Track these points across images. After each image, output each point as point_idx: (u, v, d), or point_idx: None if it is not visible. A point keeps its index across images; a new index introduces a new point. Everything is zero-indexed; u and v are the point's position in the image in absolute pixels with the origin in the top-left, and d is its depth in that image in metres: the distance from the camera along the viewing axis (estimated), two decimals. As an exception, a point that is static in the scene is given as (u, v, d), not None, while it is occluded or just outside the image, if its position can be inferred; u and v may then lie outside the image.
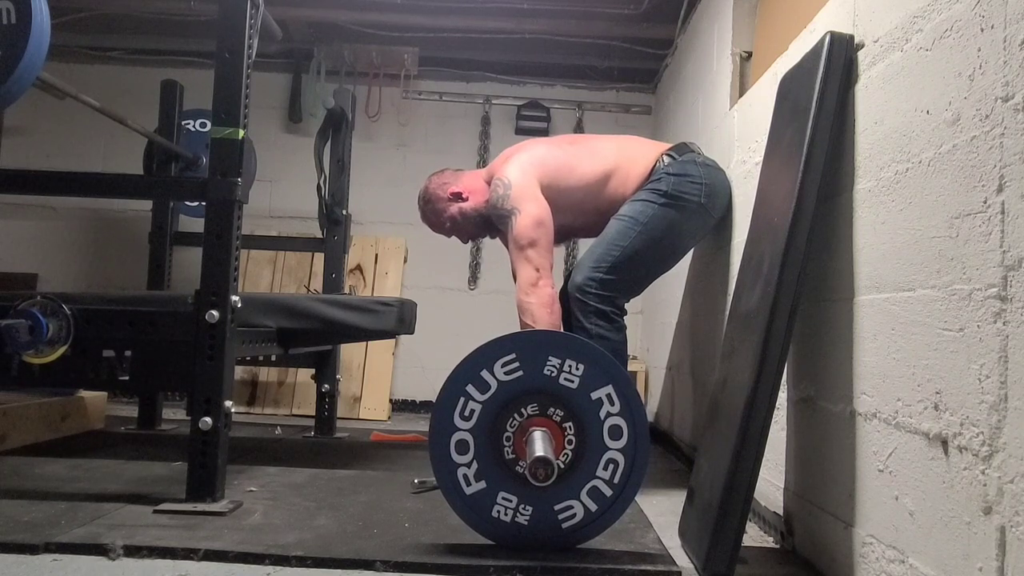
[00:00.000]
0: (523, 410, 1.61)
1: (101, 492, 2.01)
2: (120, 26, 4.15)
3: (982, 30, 1.11)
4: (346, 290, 3.47)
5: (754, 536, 1.91)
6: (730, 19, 2.67)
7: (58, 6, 2.46)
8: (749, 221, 1.92)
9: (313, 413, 3.35)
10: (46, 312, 1.88)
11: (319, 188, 3.24)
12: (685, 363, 3.01)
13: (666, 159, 2.43)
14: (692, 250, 2.71)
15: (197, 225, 2.52)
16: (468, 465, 1.62)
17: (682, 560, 1.64)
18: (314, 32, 4.14)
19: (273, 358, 2.61)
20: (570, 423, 1.61)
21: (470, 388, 1.62)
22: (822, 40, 1.58)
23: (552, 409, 1.61)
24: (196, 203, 3.38)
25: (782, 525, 1.81)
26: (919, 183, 1.27)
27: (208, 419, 1.87)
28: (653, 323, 3.84)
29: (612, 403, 1.61)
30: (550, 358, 1.61)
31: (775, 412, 1.58)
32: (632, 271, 2.37)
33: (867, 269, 1.45)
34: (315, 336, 2.65)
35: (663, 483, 2.52)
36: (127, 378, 1.99)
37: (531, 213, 2.36)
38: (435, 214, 2.63)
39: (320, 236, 3.38)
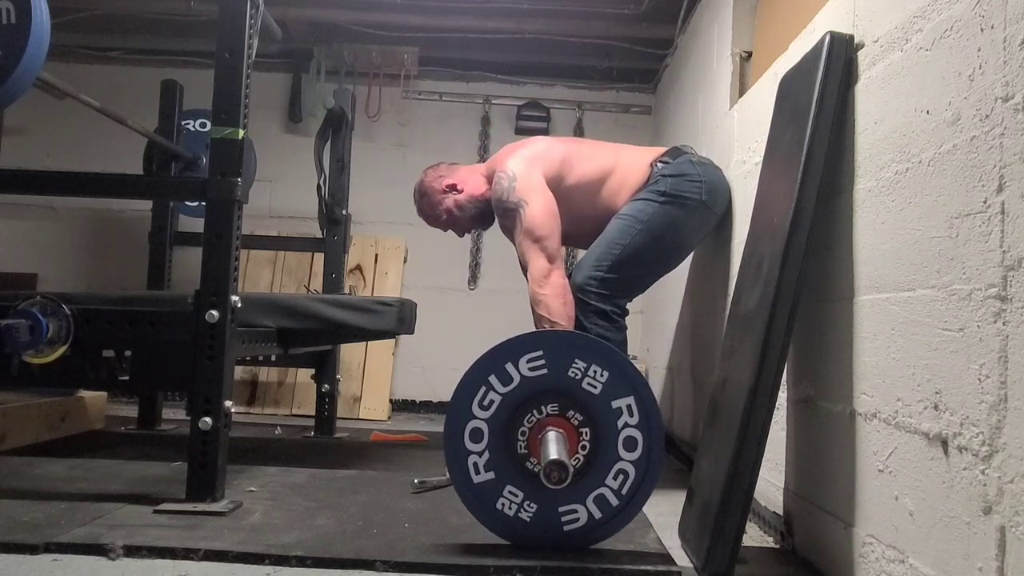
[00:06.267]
0: (543, 408, 1.61)
1: (101, 492, 2.01)
2: (120, 26, 4.15)
3: (982, 30, 1.11)
4: (346, 290, 3.47)
5: (754, 536, 1.91)
6: (730, 19, 2.67)
7: (58, 6, 2.45)
8: (749, 221, 1.92)
9: (313, 413, 3.35)
10: (46, 312, 1.88)
11: (319, 188, 3.24)
12: (685, 363, 3.01)
13: (660, 164, 2.43)
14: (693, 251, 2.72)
15: (197, 225, 2.52)
16: (480, 454, 1.62)
17: (682, 560, 1.64)
18: (314, 32, 4.13)
19: (273, 358, 2.61)
20: (587, 429, 1.61)
21: (493, 379, 1.62)
22: (822, 40, 1.58)
23: (572, 412, 1.61)
24: (196, 203, 3.38)
25: (782, 525, 1.81)
26: (919, 183, 1.27)
27: (208, 419, 1.87)
28: (653, 323, 3.84)
29: (632, 414, 1.61)
30: (576, 360, 1.61)
31: (775, 412, 1.58)
32: (633, 270, 2.37)
33: (867, 269, 1.45)
34: (315, 336, 2.65)
35: (663, 483, 2.50)
36: (127, 378, 2.00)
37: (540, 204, 2.36)
38: (430, 207, 2.66)
39: (320, 236, 3.38)
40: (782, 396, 1.79)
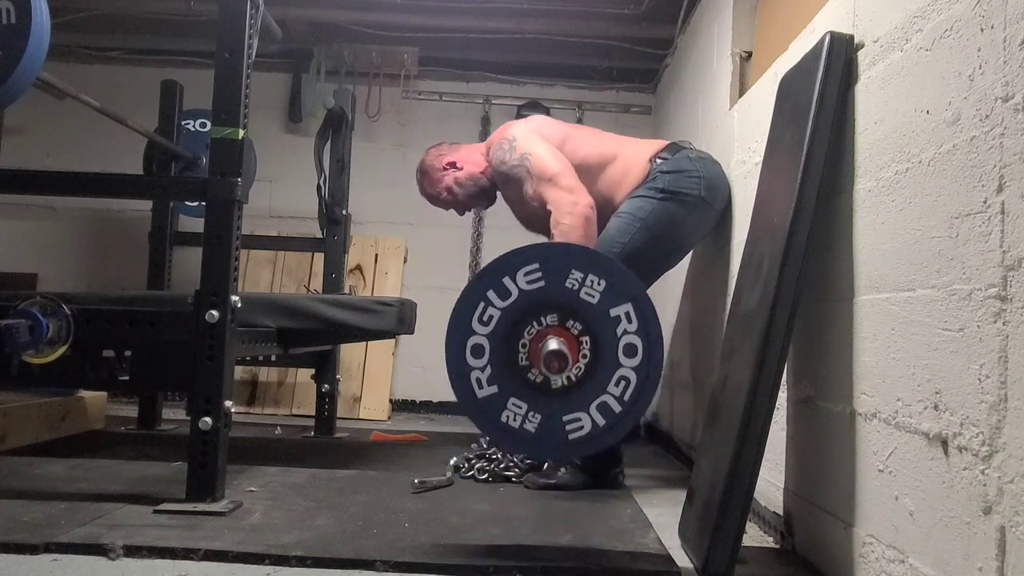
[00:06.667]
0: (542, 319, 1.62)
1: (101, 492, 2.01)
2: (120, 26, 4.15)
3: (982, 30, 1.11)
4: (346, 290, 3.47)
5: (754, 536, 1.91)
6: (730, 19, 2.67)
7: (58, 6, 2.46)
8: (749, 221, 1.92)
9: (313, 413, 3.35)
10: (46, 312, 1.88)
11: (319, 188, 3.24)
12: (685, 363, 3.01)
13: (659, 160, 2.43)
14: (692, 250, 2.72)
15: (197, 225, 2.52)
16: (482, 369, 1.63)
17: (682, 560, 1.64)
18: (314, 32, 4.14)
19: (273, 358, 2.61)
20: (587, 337, 1.61)
21: (491, 294, 1.62)
22: (822, 40, 1.58)
23: (571, 322, 1.62)
24: (196, 203, 3.38)
25: (782, 525, 1.81)
26: (919, 183, 1.27)
27: (208, 419, 1.87)
28: (653, 323, 3.83)
29: (630, 321, 1.61)
30: (573, 271, 1.62)
31: (775, 412, 1.58)
32: (634, 268, 2.36)
33: (867, 269, 1.45)
34: (315, 336, 2.65)
35: (663, 483, 2.52)
36: (127, 378, 2.00)
37: (543, 149, 2.39)
38: (431, 184, 2.69)
39: (320, 236, 3.38)
40: (782, 396, 1.79)
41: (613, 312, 1.61)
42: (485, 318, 1.63)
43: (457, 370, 1.64)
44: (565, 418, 1.63)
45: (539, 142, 2.42)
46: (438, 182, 2.65)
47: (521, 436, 1.63)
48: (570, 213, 2.30)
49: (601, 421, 1.62)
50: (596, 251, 1.71)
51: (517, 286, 1.62)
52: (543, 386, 1.60)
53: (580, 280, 1.61)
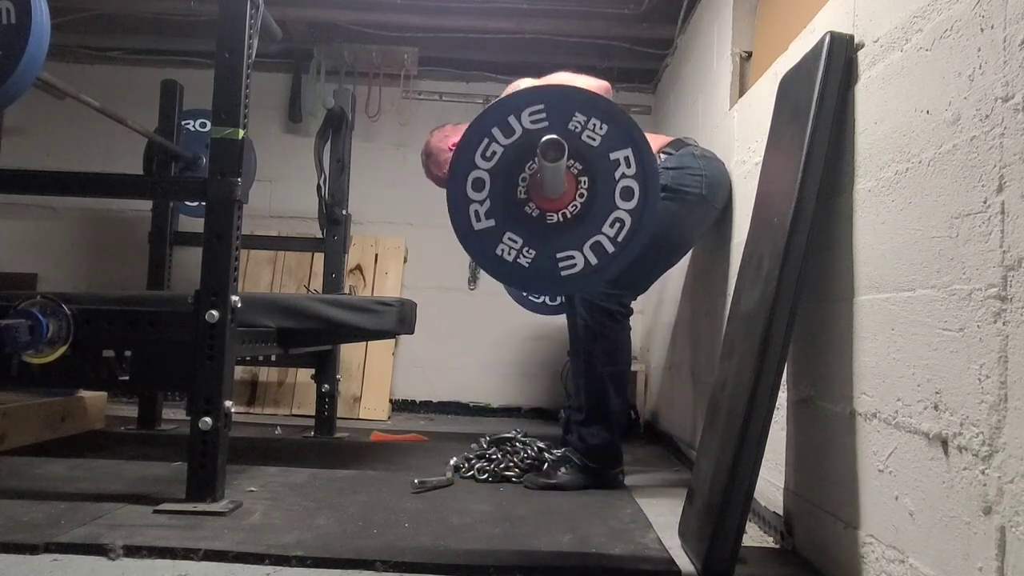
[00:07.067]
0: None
1: (101, 492, 2.01)
2: (120, 26, 4.15)
3: (982, 30, 1.11)
4: (346, 290, 3.47)
5: (754, 536, 1.91)
6: (730, 19, 2.67)
7: (58, 6, 2.45)
8: (749, 221, 1.92)
9: (313, 413, 3.34)
10: (46, 312, 1.88)
11: (319, 188, 3.24)
12: (685, 363, 3.01)
13: (663, 156, 2.43)
14: (692, 249, 2.72)
15: (197, 225, 2.52)
16: (481, 203, 1.63)
17: (682, 560, 1.64)
18: (314, 32, 4.13)
19: (273, 358, 2.61)
20: (585, 178, 1.61)
21: (496, 131, 1.63)
22: (822, 40, 1.58)
23: (571, 161, 1.61)
24: (196, 203, 3.38)
25: (782, 525, 1.81)
26: (919, 183, 1.27)
27: (208, 419, 1.87)
28: (653, 323, 3.84)
29: (629, 165, 1.61)
30: (577, 114, 1.61)
31: (775, 412, 1.58)
32: (636, 267, 2.37)
33: (867, 269, 1.45)
34: (315, 336, 2.65)
35: (663, 483, 2.52)
36: (127, 378, 1.99)
37: (549, 79, 2.39)
38: (437, 167, 2.69)
39: (320, 236, 3.38)
40: (782, 396, 1.79)
41: (613, 156, 1.61)
42: (488, 154, 1.62)
43: (457, 202, 1.63)
44: (559, 254, 1.62)
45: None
46: (445, 164, 2.65)
47: (514, 269, 1.63)
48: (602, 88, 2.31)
49: (594, 260, 1.62)
50: (601, 96, 1.71)
51: (521, 125, 1.62)
52: (539, 220, 1.60)
53: (583, 123, 1.61)
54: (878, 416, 1.38)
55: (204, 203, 1.97)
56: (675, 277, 3.04)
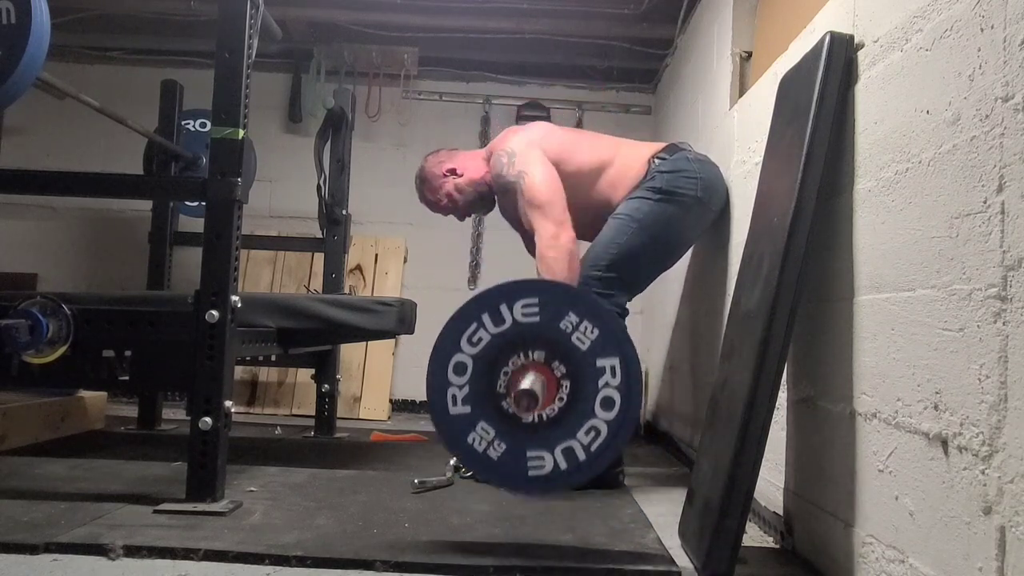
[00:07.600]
0: (529, 353, 1.62)
1: (101, 492, 2.01)
2: (120, 26, 4.14)
3: (982, 30, 1.11)
4: (346, 290, 3.47)
5: (754, 536, 1.91)
6: (730, 19, 2.67)
7: (58, 6, 2.45)
8: (749, 221, 1.92)
9: (313, 413, 3.35)
10: (46, 312, 1.88)
11: (319, 188, 3.24)
12: (685, 363, 3.01)
13: (657, 160, 2.44)
14: (691, 249, 2.72)
15: (197, 225, 2.52)
16: (460, 387, 1.64)
17: (682, 560, 1.64)
18: (314, 32, 4.13)
19: (273, 358, 2.61)
20: (568, 382, 1.62)
21: (485, 317, 1.63)
22: (822, 40, 1.58)
23: (556, 363, 1.62)
24: (196, 203, 3.38)
25: (782, 525, 1.81)
26: (919, 183, 1.27)
27: (208, 419, 1.87)
28: (653, 323, 3.84)
29: (614, 375, 1.62)
30: (570, 313, 1.62)
31: (775, 412, 1.58)
32: (631, 268, 2.37)
33: (867, 269, 1.45)
34: (315, 336, 2.65)
35: (663, 483, 2.52)
36: (127, 378, 1.99)
37: (540, 172, 2.39)
38: (432, 192, 2.70)
39: (320, 236, 3.38)
40: (782, 396, 1.79)
41: (600, 362, 1.62)
42: (474, 339, 1.64)
43: (436, 383, 1.64)
44: (529, 453, 1.63)
45: (537, 162, 2.41)
46: (439, 189, 2.66)
47: (483, 460, 1.65)
48: (554, 247, 2.30)
49: (563, 465, 1.63)
50: (597, 299, 1.72)
51: (513, 316, 1.63)
52: (515, 417, 1.61)
53: (575, 324, 1.62)
54: (878, 416, 1.38)
55: (204, 203, 1.97)
56: (675, 277, 3.04)
